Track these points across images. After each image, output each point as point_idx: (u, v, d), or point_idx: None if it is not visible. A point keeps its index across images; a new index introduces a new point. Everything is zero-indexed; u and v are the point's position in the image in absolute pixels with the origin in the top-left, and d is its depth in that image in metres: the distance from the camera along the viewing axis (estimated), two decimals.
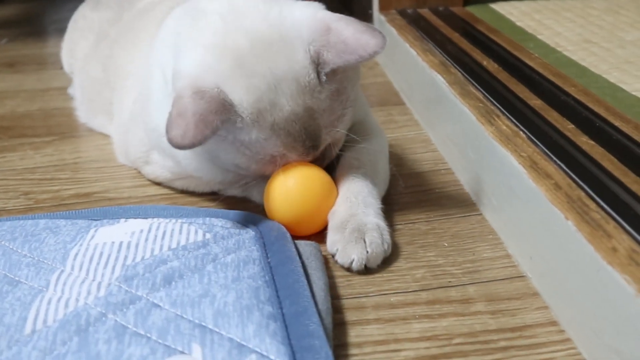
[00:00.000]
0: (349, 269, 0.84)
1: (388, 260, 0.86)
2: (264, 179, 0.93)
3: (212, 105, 0.80)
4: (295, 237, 0.87)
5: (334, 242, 0.86)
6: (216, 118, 0.80)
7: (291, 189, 0.88)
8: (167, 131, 0.80)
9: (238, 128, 0.83)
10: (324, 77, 0.84)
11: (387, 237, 0.86)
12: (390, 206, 0.98)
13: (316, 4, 0.89)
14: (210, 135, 0.80)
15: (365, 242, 0.84)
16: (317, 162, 0.91)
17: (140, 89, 1.04)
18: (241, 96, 0.82)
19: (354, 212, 0.87)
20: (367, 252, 0.83)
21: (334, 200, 0.90)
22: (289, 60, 0.83)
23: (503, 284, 0.81)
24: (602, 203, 0.74)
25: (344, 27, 0.83)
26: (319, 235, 0.89)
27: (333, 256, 0.86)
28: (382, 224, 0.88)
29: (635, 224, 0.69)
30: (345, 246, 0.84)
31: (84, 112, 1.34)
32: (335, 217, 0.88)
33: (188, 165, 0.98)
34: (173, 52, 0.89)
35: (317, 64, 0.83)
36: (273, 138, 0.84)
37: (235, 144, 0.85)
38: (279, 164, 0.88)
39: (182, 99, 0.81)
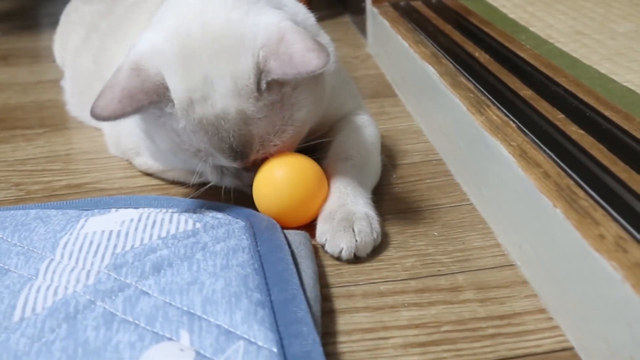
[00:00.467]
0: (338, 258, 0.84)
1: (378, 249, 0.86)
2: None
3: (145, 84, 0.82)
4: (285, 227, 0.87)
5: (323, 232, 0.86)
6: (145, 98, 0.81)
7: (279, 180, 0.87)
8: (94, 100, 0.81)
9: (168, 113, 0.84)
10: (264, 85, 0.82)
11: (376, 226, 0.86)
12: (381, 196, 0.98)
13: (285, 14, 0.87)
14: (132, 112, 0.81)
15: (354, 231, 0.84)
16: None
17: None
18: (176, 82, 0.82)
19: (343, 202, 0.87)
20: (356, 241, 0.83)
21: (324, 192, 0.90)
22: (232, 59, 0.82)
23: (492, 272, 0.82)
24: (590, 191, 0.74)
25: (297, 41, 0.80)
26: (310, 226, 0.89)
27: (323, 246, 0.86)
28: (372, 213, 0.88)
29: (623, 211, 0.70)
30: (334, 235, 0.84)
31: (75, 106, 1.34)
32: (325, 208, 0.88)
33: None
34: None
35: (261, 70, 0.82)
36: (201, 132, 0.83)
37: (167, 127, 0.85)
38: (208, 162, 0.87)
39: (119, 72, 0.83)
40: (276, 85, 0.83)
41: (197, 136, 0.84)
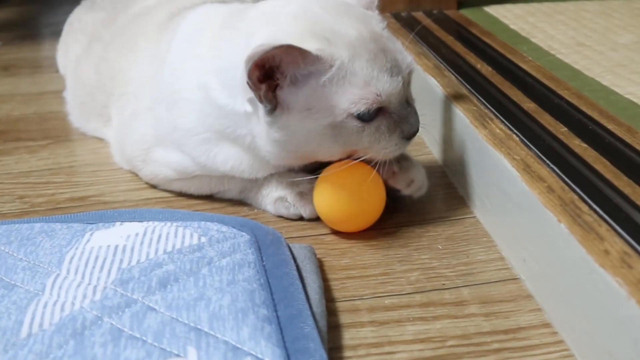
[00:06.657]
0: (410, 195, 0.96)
1: (382, 262, 0.87)
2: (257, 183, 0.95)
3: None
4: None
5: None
6: None
7: (343, 186, 0.91)
8: None
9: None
10: None
11: None
12: (384, 209, 0.98)
13: None
14: None
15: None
16: None
17: (156, 93, 1.03)
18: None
19: None
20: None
21: (382, 196, 0.93)
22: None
23: (497, 286, 0.82)
24: (594, 206, 0.74)
25: None
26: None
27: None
28: None
29: (627, 226, 0.70)
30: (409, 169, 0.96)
31: (76, 117, 1.33)
32: None
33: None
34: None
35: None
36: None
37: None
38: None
39: None
40: None
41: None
